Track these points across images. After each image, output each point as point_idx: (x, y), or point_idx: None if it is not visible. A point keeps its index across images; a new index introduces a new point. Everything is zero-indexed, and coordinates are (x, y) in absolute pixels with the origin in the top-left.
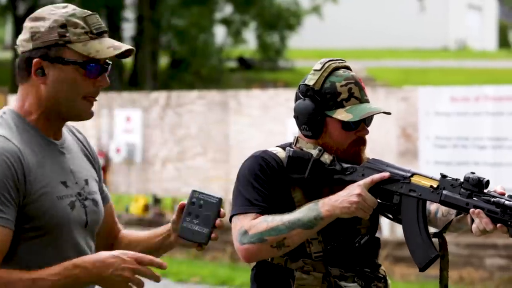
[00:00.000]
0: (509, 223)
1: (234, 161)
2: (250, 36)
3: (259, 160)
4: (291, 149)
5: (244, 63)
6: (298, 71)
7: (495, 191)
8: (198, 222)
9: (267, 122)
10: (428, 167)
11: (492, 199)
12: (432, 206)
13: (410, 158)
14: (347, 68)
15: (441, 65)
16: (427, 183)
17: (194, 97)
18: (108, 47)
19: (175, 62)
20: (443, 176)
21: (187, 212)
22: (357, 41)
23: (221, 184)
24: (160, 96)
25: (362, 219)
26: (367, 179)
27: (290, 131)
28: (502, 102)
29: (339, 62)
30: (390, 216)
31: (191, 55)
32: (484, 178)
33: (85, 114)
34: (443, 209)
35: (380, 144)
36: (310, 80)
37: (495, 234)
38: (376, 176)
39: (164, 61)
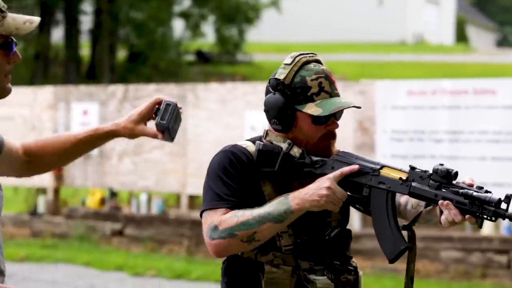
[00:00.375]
0: (478, 214)
1: (192, 154)
2: (208, 30)
3: (228, 154)
4: (260, 142)
5: (202, 57)
6: (257, 64)
7: (463, 183)
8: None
9: (225, 115)
10: (384, 160)
11: (461, 191)
12: (402, 198)
13: (367, 151)
14: (318, 62)
15: (398, 59)
16: (396, 175)
17: (151, 90)
18: (24, 22)
19: (133, 55)
20: (412, 168)
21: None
22: (315, 35)
23: (178, 178)
24: (118, 89)
25: (332, 211)
26: (337, 172)
27: (248, 124)
28: (458, 96)
29: (309, 56)
30: (361, 208)
31: (149, 48)
32: (452, 170)
33: (8, 91)
34: (412, 201)
35: (337, 137)
36: (281, 74)
37: (450, 227)
38: (346, 169)
39: (122, 54)
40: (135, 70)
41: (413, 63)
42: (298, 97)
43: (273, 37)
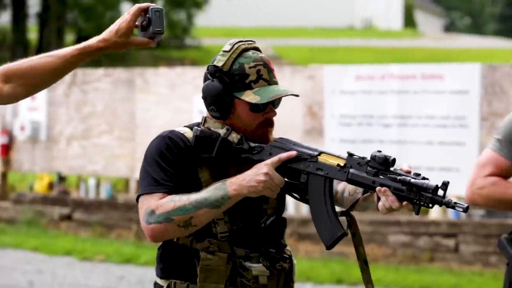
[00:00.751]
0: (415, 200)
1: (140, 139)
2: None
3: (166, 139)
4: (198, 128)
5: None
6: (205, 49)
7: (401, 169)
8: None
9: (174, 100)
10: (333, 145)
11: (398, 177)
12: (340, 186)
13: (316, 136)
14: (257, 49)
15: (347, 44)
16: (334, 161)
17: (100, 74)
18: None
19: (81, 39)
20: (350, 155)
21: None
22: (264, 19)
23: (127, 162)
24: None
25: (269, 198)
26: (274, 158)
27: (197, 109)
28: (407, 81)
29: (248, 44)
30: (297, 196)
31: (97, 33)
32: (390, 157)
33: None
34: (350, 188)
35: (285, 122)
36: (219, 61)
37: (398, 211)
38: (283, 155)
39: (70, 38)
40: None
41: (361, 48)
42: (236, 84)
43: (221, 21)
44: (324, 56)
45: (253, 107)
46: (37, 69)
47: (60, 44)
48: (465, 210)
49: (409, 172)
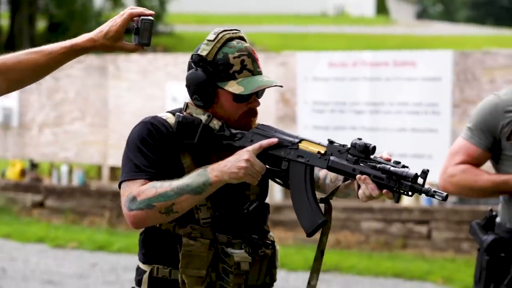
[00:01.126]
0: (395, 189)
1: (113, 125)
2: (129, 0)
3: (148, 125)
4: (180, 114)
5: None
6: (178, 35)
7: (381, 157)
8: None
9: (146, 86)
10: (306, 131)
11: (378, 165)
12: (321, 173)
13: (289, 123)
14: (242, 38)
15: (319, 30)
16: (314, 149)
17: (72, 61)
18: None
19: (52, 26)
20: (331, 142)
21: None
22: (236, 6)
23: (100, 149)
24: None
25: (251, 184)
26: (256, 145)
27: (169, 95)
28: (379, 68)
29: (233, 33)
30: (280, 182)
31: (69, 19)
32: (370, 144)
33: None
34: (331, 175)
35: (259, 109)
36: (203, 50)
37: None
38: (265, 142)
39: (41, 24)
40: (55, 41)
41: (334, 34)
42: (220, 74)
43: (194, 8)
44: (297, 43)
45: (237, 97)
46: (22, 64)
47: (32, 31)
48: (444, 198)
49: (389, 160)
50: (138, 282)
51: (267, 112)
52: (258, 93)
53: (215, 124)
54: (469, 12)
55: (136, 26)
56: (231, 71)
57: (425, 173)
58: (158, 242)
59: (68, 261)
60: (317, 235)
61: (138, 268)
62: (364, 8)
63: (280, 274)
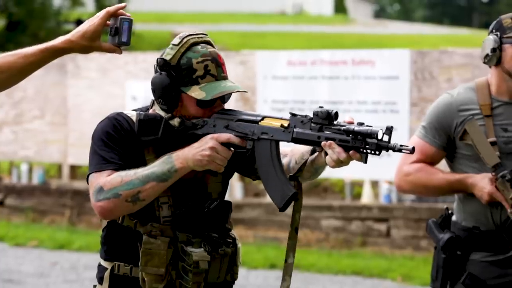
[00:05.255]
0: (361, 149)
1: (73, 124)
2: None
3: (112, 120)
4: (141, 113)
5: None
6: (138, 34)
7: (344, 121)
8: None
9: (105, 85)
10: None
11: (342, 128)
12: (285, 160)
13: None
14: (208, 43)
15: (278, 29)
16: (277, 123)
17: None
18: None
19: (11, 24)
20: (293, 115)
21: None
22: (195, 4)
23: (59, 147)
24: None
25: (213, 183)
26: (223, 136)
27: (129, 94)
28: (337, 66)
29: (198, 37)
30: (245, 172)
31: (28, 17)
32: (332, 110)
33: None
34: (296, 157)
35: None
36: (167, 54)
37: (330, 196)
38: (234, 139)
39: (0, 23)
40: (14, 39)
41: (292, 33)
42: (183, 79)
43: (154, 6)
44: (256, 42)
45: (200, 102)
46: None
47: None
48: (412, 151)
49: (351, 123)
50: (100, 279)
51: None
52: (225, 98)
53: (175, 122)
54: (426, 12)
55: (115, 26)
56: (194, 76)
57: (389, 130)
58: (120, 240)
59: (28, 260)
60: (283, 233)
61: (99, 265)
62: (323, 7)
63: (241, 272)
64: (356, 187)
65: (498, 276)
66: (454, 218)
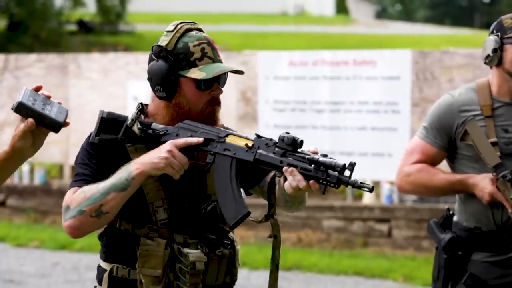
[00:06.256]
0: (321, 180)
1: (74, 124)
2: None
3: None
4: (104, 111)
5: (84, 26)
6: (139, 34)
7: (308, 151)
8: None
9: (107, 85)
10: (267, 130)
11: (307, 156)
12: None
13: (250, 121)
14: (200, 30)
15: (280, 30)
16: (242, 142)
17: (33, 60)
18: None
19: (13, 25)
20: (258, 136)
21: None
22: (197, 5)
23: (61, 148)
24: None
25: (208, 185)
26: (180, 140)
27: (130, 94)
28: (339, 67)
29: (191, 24)
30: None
31: (29, 18)
32: (298, 138)
33: None
34: (280, 184)
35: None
36: (163, 41)
37: (332, 196)
38: (192, 140)
39: (1, 23)
40: (15, 40)
41: (294, 34)
42: (181, 62)
43: (155, 7)
44: (258, 42)
45: (199, 85)
46: None
47: None
48: (371, 190)
49: (315, 153)
50: (99, 280)
51: (228, 111)
52: (220, 82)
53: (136, 128)
54: (428, 12)
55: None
56: (192, 58)
57: (352, 166)
58: (118, 242)
59: (29, 260)
60: (284, 233)
61: (99, 266)
62: (324, 8)
63: (242, 273)
64: None
65: (499, 277)
66: (455, 218)
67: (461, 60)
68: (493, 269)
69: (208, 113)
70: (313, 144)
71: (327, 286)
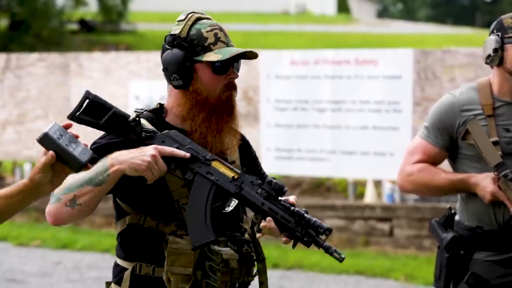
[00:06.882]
0: (298, 234)
1: (74, 124)
2: None
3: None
4: (91, 93)
5: (85, 26)
6: (140, 34)
7: (287, 200)
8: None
9: (108, 85)
10: (268, 130)
11: (293, 208)
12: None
13: (251, 121)
14: (209, 19)
15: (281, 29)
16: (227, 172)
17: (34, 59)
18: None
19: (15, 24)
20: (245, 172)
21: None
22: (198, 4)
23: None
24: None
25: None
26: (167, 148)
27: (132, 94)
28: (340, 66)
29: (201, 14)
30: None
31: (31, 17)
32: (284, 187)
33: None
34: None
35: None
36: (176, 30)
37: (333, 195)
38: (179, 152)
39: (3, 22)
40: (17, 39)
41: (295, 33)
42: (195, 48)
43: (156, 6)
44: (259, 41)
45: (215, 69)
46: None
47: None
48: (341, 260)
49: (293, 205)
50: (119, 279)
51: None
52: (235, 66)
53: (144, 123)
54: (429, 11)
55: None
56: (206, 43)
57: (330, 231)
58: (141, 240)
59: (31, 260)
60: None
61: (116, 265)
62: (326, 7)
63: None
64: (359, 187)
65: (501, 276)
66: (457, 217)
67: (463, 59)
68: (495, 268)
69: (226, 98)
70: (314, 143)
71: (328, 285)
